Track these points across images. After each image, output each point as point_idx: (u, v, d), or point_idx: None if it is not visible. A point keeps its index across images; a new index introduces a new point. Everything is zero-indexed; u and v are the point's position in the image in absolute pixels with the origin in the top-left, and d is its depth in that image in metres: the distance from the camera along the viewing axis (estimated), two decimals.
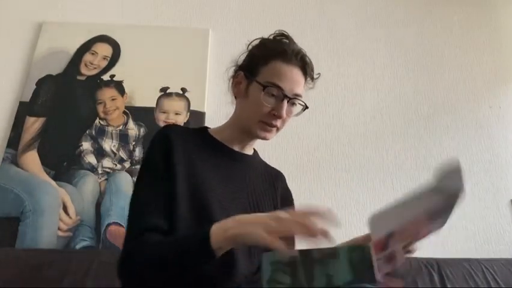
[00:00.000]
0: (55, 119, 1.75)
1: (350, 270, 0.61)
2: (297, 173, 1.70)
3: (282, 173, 1.16)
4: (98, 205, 1.61)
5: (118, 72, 1.85)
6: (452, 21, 2.09)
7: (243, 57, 1.05)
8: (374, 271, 0.59)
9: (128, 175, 1.67)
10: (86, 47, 1.90)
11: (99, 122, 1.76)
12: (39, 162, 1.66)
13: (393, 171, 1.76)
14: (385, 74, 1.96)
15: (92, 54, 1.89)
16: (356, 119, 1.85)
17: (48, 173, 1.65)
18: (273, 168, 1.15)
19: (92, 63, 1.87)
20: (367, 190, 1.72)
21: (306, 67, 0.98)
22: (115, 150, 1.71)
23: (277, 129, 0.98)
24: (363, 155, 1.79)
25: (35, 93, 1.79)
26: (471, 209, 1.71)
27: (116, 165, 1.69)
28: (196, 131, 1.05)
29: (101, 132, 1.74)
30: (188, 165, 0.93)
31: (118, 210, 1.59)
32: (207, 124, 1.75)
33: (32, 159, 1.67)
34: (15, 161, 1.66)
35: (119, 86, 1.82)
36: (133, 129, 1.75)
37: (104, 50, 1.90)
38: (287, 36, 1.03)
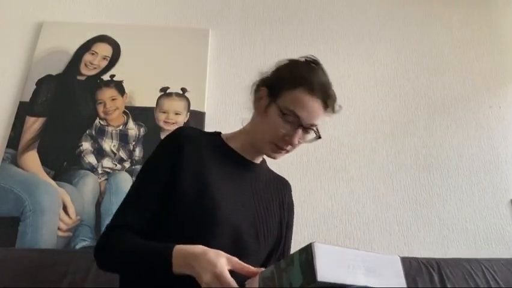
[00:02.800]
0: (55, 119, 1.75)
1: (300, 272, 0.61)
2: (297, 173, 1.70)
3: (289, 183, 1.17)
4: (98, 205, 1.61)
5: (118, 72, 1.85)
6: (452, 21, 2.09)
7: (266, 69, 1.06)
8: (314, 270, 0.59)
9: (128, 175, 1.67)
10: (86, 47, 1.90)
11: (99, 122, 1.76)
12: (39, 162, 1.66)
13: (393, 171, 1.76)
14: (385, 74, 1.96)
15: (92, 54, 1.89)
16: (356, 119, 1.85)
17: (48, 173, 1.65)
18: (280, 177, 1.16)
19: (92, 63, 1.87)
20: (367, 190, 1.72)
21: (328, 101, 0.97)
22: (115, 150, 1.71)
23: (287, 152, 0.99)
24: (363, 155, 1.79)
25: (35, 93, 1.79)
26: (471, 209, 1.71)
27: (116, 165, 1.69)
28: (209, 134, 1.06)
29: (101, 132, 1.74)
30: (198, 166, 0.95)
31: None
32: (206, 124, 1.77)
33: (32, 159, 1.67)
34: (15, 161, 1.66)
35: (119, 86, 1.82)
36: (133, 129, 1.75)
37: (104, 50, 1.90)
38: (317, 64, 1.02)
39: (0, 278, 1.21)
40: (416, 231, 1.66)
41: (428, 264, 1.42)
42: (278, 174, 1.16)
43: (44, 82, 1.82)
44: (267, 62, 1.95)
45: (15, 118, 1.74)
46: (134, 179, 1.65)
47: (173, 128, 1.73)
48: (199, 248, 0.76)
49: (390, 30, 2.06)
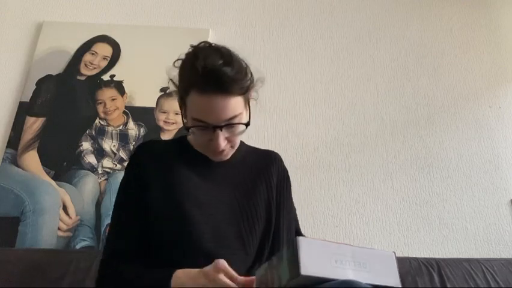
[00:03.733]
0: (55, 119, 1.75)
1: (287, 268, 0.61)
2: (297, 173, 1.70)
3: (275, 153, 1.10)
4: (98, 205, 1.61)
5: (118, 72, 1.85)
6: (452, 21, 2.09)
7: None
8: (298, 264, 0.58)
9: None
10: (86, 47, 1.90)
11: (99, 122, 1.76)
12: (39, 162, 1.66)
13: (393, 171, 1.76)
14: (385, 74, 1.96)
15: (92, 54, 1.89)
16: (356, 119, 1.85)
17: (48, 173, 1.65)
18: (264, 151, 1.10)
19: (92, 63, 1.87)
20: (367, 190, 1.72)
21: (227, 88, 0.84)
22: (115, 150, 1.71)
23: (231, 147, 0.93)
24: (363, 155, 1.78)
25: (35, 93, 1.79)
26: (471, 209, 1.71)
27: (116, 165, 1.69)
28: (172, 142, 1.05)
29: (101, 132, 1.74)
30: (163, 179, 0.93)
31: None
32: None
33: (32, 159, 1.67)
34: (15, 161, 1.66)
35: (119, 86, 1.82)
36: (133, 129, 1.75)
37: (104, 50, 1.90)
38: (197, 51, 0.89)
39: (0, 278, 1.21)
40: (416, 231, 1.66)
41: (428, 264, 1.42)
42: (263, 150, 1.10)
43: (44, 82, 1.82)
44: (267, 62, 1.96)
45: (15, 118, 1.74)
46: None
47: (173, 128, 1.74)
48: (194, 271, 0.79)
49: (390, 30, 2.06)
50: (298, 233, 1.12)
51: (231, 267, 0.78)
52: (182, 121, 0.96)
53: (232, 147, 0.93)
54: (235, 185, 0.98)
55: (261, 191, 1.00)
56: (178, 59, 0.94)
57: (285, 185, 1.08)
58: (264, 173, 1.03)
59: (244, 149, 1.07)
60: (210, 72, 0.83)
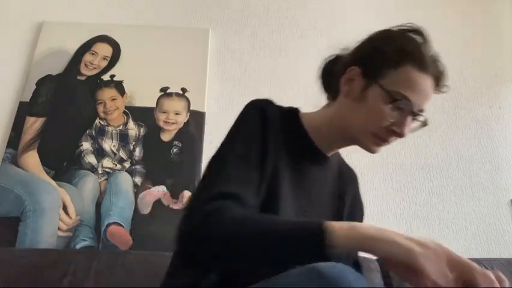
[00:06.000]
0: (55, 119, 1.75)
1: None
2: None
3: (355, 174, 1.02)
4: (98, 205, 1.61)
5: (118, 72, 1.85)
6: (452, 21, 2.09)
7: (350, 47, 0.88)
8: None
9: (128, 175, 1.67)
10: (86, 47, 1.90)
11: (99, 122, 1.76)
12: (39, 162, 1.66)
13: (393, 171, 1.76)
14: None
15: (92, 54, 1.89)
16: None
17: (48, 173, 1.65)
18: (347, 167, 1.01)
19: (92, 63, 1.87)
20: (367, 190, 1.71)
21: (441, 79, 0.83)
22: (115, 150, 1.71)
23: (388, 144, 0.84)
24: (363, 155, 1.78)
25: (35, 93, 1.79)
26: (471, 209, 1.71)
27: (116, 165, 1.69)
28: (286, 114, 0.87)
29: (101, 132, 1.74)
30: (274, 159, 0.79)
31: (118, 210, 1.60)
32: (206, 124, 1.77)
33: (32, 159, 1.67)
34: (15, 161, 1.66)
35: (119, 86, 1.82)
36: (133, 129, 1.75)
37: (104, 50, 1.90)
38: (423, 36, 0.83)
39: (0, 278, 1.21)
40: (416, 231, 1.66)
41: None
42: (346, 164, 1.01)
43: (44, 82, 1.82)
44: (267, 62, 1.96)
45: (15, 118, 1.74)
46: (134, 179, 1.65)
47: (173, 128, 1.73)
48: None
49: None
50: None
51: None
52: (347, 90, 0.83)
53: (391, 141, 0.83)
54: (317, 198, 0.88)
55: (334, 206, 0.92)
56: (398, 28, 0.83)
57: (359, 211, 1.00)
58: (340, 190, 0.95)
59: (337, 157, 0.99)
60: (435, 58, 0.83)
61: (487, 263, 1.46)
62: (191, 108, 1.78)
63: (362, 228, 0.58)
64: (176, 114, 1.77)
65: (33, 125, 1.73)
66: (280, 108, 0.87)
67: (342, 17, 2.07)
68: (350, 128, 0.83)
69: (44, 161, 1.67)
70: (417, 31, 0.82)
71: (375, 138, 0.81)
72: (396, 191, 1.72)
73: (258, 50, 1.96)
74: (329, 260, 0.56)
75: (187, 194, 1.63)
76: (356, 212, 0.99)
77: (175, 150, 1.71)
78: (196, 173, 1.66)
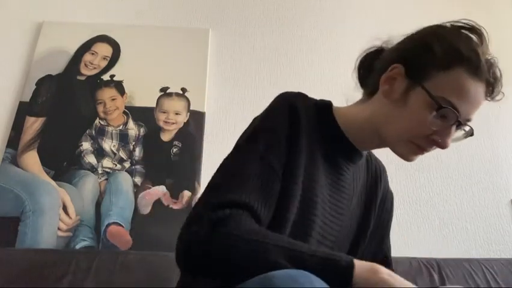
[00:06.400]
0: (55, 119, 1.75)
1: None
2: None
3: (385, 169, 0.96)
4: (98, 205, 1.61)
5: (118, 72, 1.85)
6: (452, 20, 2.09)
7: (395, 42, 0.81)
8: None
9: (128, 175, 1.67)
10: (86, 47, 1.90)
11: (99, 122, 1.76)
12: (39, 162, 1.66)
13: (393, 171, 1.75)
14: None
15: (92, 54, 1.89)
16: None
17: (48, 173, 1.65)
18: (378, 161, 0.95)
19: (92, 63, 1.87)
20: None
21: (495, 86, 0.73)
22: (115, 150, 1.71)
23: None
24: None
25: (35, 93, 1.79)
26: (471, 209, 1.71)
27: (116, 165, 1.69)
28: (319, 108, 0.82)
29: (101, 132, 1.74)
30: (307, 154, 0.74)
31: (118, 210, 1.59)
32: (206, 124, 1.77)
33: (32, 159, 1.67)
34: (15, 161, 1.66)
35: (119, 86, 1.82)
36: (133, 129, 1.75)
37: (104, 50, 1.90)
38: (479, 33, 0.73)
39: (0, 278, 1.21)
40: (416, 231, 1.66)
41: (428, 264, 1.42)
42: (375, 157, 0.94)
43: (44, 82, 1.81)
44: (267, 62, 1.96)
45: (15, 118, 1.74)
46: (134, 179, 1.65)
47: (173, 128, 1.73)
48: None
49: (390, 31, 2.05)
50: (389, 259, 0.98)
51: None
52: (387, 90, 0.75)
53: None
54: (353, 197, 0.84)
55: (360, 211, 0.89)
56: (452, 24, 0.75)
57: (389, 208, 0.96)
58: (373, 187, 0.91)
59: (367, 152, 0.92)
60: (491, 63, 0.73)
61: (487, 263, 1.46)
62: (191, 108, 1.78)
63: (380, 272, 0.56)
64: (176, 114, 1.77)
65: (33, 125, 1.73)
66: (313, 101, 0.81)
67: (342, 17, 2.07)
68: (387, 131, 0.77)
69: (44, 161, 1.67)
70: (475, 29, 0.73)
71: (412, 145, 0.75)
72: (397, 191, 1.71)
73: (258, 50, 1.96)
74: None
75: (187, 194, 1.63)
76: (386, 204, 0.95)
77: (175, 150, 1.71)
78: (196, 173, 1.66)
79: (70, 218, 1.58)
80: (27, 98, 1.78)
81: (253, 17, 2.03)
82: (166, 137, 1.74)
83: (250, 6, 2.06)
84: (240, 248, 0.58)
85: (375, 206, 0.91)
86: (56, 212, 1.58)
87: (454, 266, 1.43)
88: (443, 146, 0.72)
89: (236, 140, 0.77)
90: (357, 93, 0.88)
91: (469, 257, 1.51)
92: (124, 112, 1.78)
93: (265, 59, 1.94)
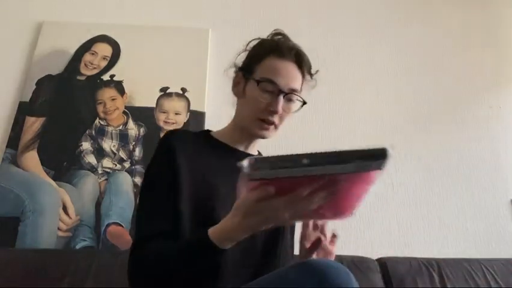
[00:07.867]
0: (55, 119, 1.75)
1: None
2: None
3: None
4: (98, 205, 1.61)
5: (118, 72, 1.85)
6: (452, 21, 2.09)
7: (242, 58, 1.05)
8: None
9: (128, 175, 1.67)
10: (86, 47, 1.90)
11: (99, 122, 1.76)
12: (39, 162, 1.66)
13: (393, 171, 1.76)
14: (385, 74, 1.96)
15: (92, 54, 1.89)
16: (356, 119, 1.85)
17: (48, 173, 1.65)
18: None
19: (92, 63, 1.87)
20: (368, 191, 1.72)
21: (301, 62, 0.97)
22: (114, 150, 1.71)
23: (276, 127, 0.96)
24: None
25: (35, 93, 1.79)
26: (471, 209, 1.71)
27: (116, 165, 1.69)
28: (198, 134, 1.04)
29: (101, 132, 1.74)
30: (192, 169, 0.92)
31: (118, 210, 1.60)
32: (207, 124, 1.77)
33: (32, 159, 1.67)
34: (15, 161, 1.66)
35: (119, 86, 1.82)
36: (133, 129, 1.75)
37: (104, 50, 1.90)
38: (283, 35, 1.03)
39: (0, 278, 1.21)
40: (416, 231, 1.66)
41: (428, 264, 1.42)
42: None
43: (44, 82, 1.81)
44: None
45: (15, 118, 1.74)
46: (134, 179, 1.65)
47: (173, 128, 1.73)
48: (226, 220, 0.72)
49: (390, 30, 2.05)
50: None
51: (225, 275, 0.82)
52: (236, 92, 1.02)
53: (277, 124, 0.96)
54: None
55: None
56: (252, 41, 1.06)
57: None
58: None
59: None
60: (292, 46, 0.98)
61: (487, 263, 1.46)
62: (191, 108, 1.78)
63: (227, 227, 0.71)
64: (176, 114, 1.77)
65: (33, 125, 1.73)
66: (187, 131, 1.09)
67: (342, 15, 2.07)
68: (241, 121, 1.00)
69: (44, 161, 1.67)
70: (278, 33, 1.04)
71: (260, 122, 0.95)
72: (396, 191, 1.72)
73: None
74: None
75: None
76: None
77: None
78: None
79: (70, 218, 1.58)
80: (27, 98, 1.78)
81: (253, 17, 2.03)
82: None
83: (250, 6, 2.06)
84: (153, 268, 0.79)
85: None
86: (56, 212, 1.58)
87: (454, 266, 1.43)
88: (276, 110, 0.92)
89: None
90: None
91: (469, 257, 1.51)
92: (124, 112, 1.78)
93: None
